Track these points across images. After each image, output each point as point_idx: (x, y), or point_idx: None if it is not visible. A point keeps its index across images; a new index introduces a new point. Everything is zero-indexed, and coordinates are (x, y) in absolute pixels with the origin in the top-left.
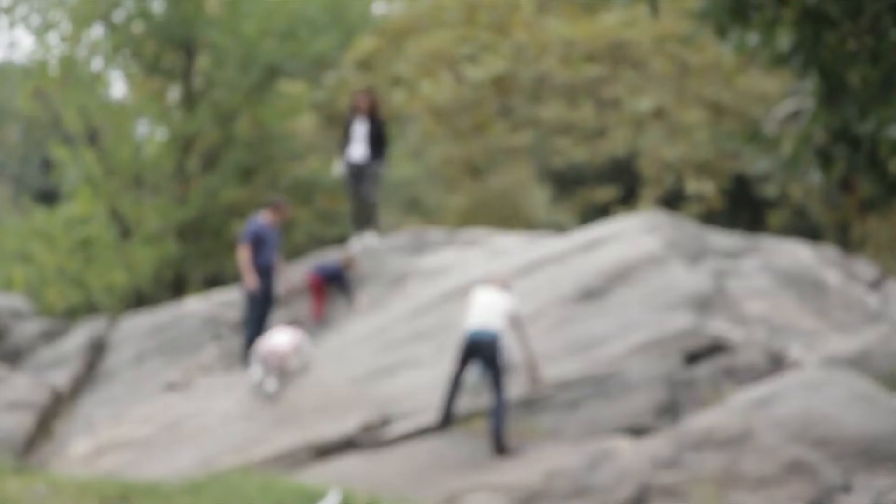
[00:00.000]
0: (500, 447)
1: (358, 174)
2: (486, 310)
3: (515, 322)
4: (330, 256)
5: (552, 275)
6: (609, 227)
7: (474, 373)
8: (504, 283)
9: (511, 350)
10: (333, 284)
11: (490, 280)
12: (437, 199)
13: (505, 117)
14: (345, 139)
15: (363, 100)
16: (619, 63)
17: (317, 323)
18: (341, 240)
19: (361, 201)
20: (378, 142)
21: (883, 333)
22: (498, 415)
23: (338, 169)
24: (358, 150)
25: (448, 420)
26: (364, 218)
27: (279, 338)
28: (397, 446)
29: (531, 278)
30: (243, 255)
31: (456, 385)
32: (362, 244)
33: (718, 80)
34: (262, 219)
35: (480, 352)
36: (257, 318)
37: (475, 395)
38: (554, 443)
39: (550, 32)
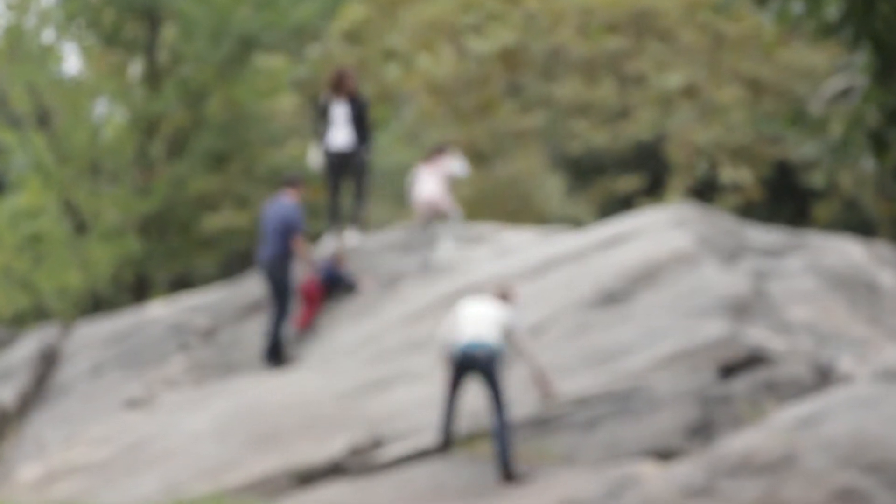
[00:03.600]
0: (507, 473)
1: (341, 163)
2: (478, 321)
3: (513, 336)
4: (318, 256)
5: (567, 276)
6: (632, 222)
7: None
8: (502, 294)
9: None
10: (331, 289)
11: (484, 290)
12: None
13: (514, 96)
14: (323, 124)
15: (349, 80)
16: (643, 34)
17: (302, 331)
18: None
19: (342, 194)
20: (362, 126)
21: None
22: (502, 437)
23: (315, 159)
24: (340, 135)
25: (448, 442)
26: (348, 213)
27: (425, 188)
28: (391, 472)
29: (544, 280)
30: (304, 247)
31: (452, 405)
32: (340, 242)
33: (757, 54)
34: (289, 200)
35: (475, 367)
36: (288, 311)
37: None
38: (569, 468)
39: None
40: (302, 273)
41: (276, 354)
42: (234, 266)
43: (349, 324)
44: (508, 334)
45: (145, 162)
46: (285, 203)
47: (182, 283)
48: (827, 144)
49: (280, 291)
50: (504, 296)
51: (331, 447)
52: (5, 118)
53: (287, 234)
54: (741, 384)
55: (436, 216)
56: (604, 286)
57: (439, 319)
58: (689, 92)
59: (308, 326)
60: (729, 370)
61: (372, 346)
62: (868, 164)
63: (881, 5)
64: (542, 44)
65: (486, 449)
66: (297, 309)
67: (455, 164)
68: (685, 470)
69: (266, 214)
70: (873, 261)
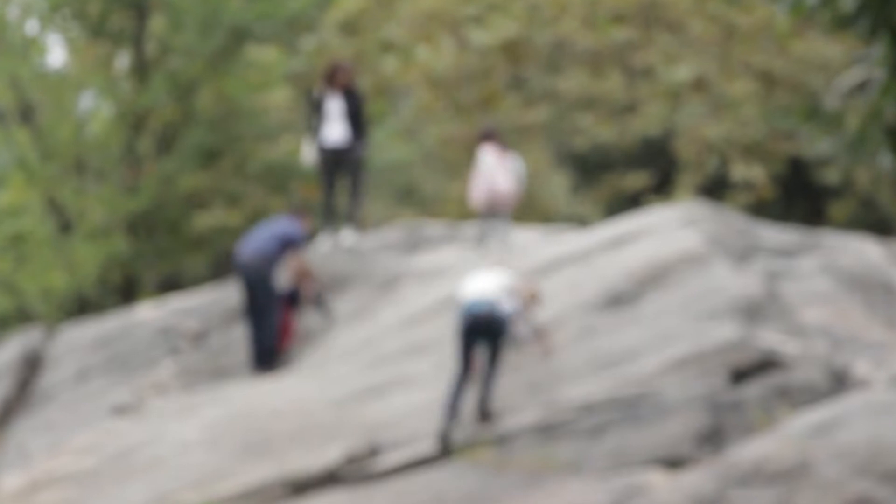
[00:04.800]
0: (484, 413)
1: (336, 160)
2: (482, 284)
3: (517, 293)
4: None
5: (573, 277)
6: (640, 221)
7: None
8: (529, 294)
9: (521, 324)
10: (296, 306)
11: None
12: (435, 187)
13: (517, 90)
14: (317, 119)
15: (343, 73)
16: (651, 25)
17: (284, 353)
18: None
19: (338, 192)
20: (358, 121)
21: None
22: (488, 379)
23: (308, 155)
24: (335, 131)
25: (448, 446)
26: (344, 211)
27: (503, 180)
28: (388, 480)
29: (548, 281)
30: (304, 265)
31: (462, 385)
32: (336, 243)
33: (770, 46)
34: (295, 223)
35: (482, 326)
36: (276, 312)
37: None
38: (575, 476)
39: None
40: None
41: (267, 359)
42: (225, 267)
43: (345, 327)
44: (512, 293)
45: (133, 158)
46: (290, 223)
47: (171, 285)
48: (843, 140)
49: (265, 293)
50: (532, 296)
51: (326, 455)
52: None
53: (284, 246)
54: (753, 390)
55: (497, 211)
56: (610, 287)
57: (439, 323)
58: (699, 85)
59: (287, 349)
60: (740, 375)
61: (369, 350)
62: (885, 160)
63: None
64: (547, 35)
65: (488, 456)
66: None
67: (518, 165)
68: (695, 479)
69: (262, 226)
70: (891, 261)
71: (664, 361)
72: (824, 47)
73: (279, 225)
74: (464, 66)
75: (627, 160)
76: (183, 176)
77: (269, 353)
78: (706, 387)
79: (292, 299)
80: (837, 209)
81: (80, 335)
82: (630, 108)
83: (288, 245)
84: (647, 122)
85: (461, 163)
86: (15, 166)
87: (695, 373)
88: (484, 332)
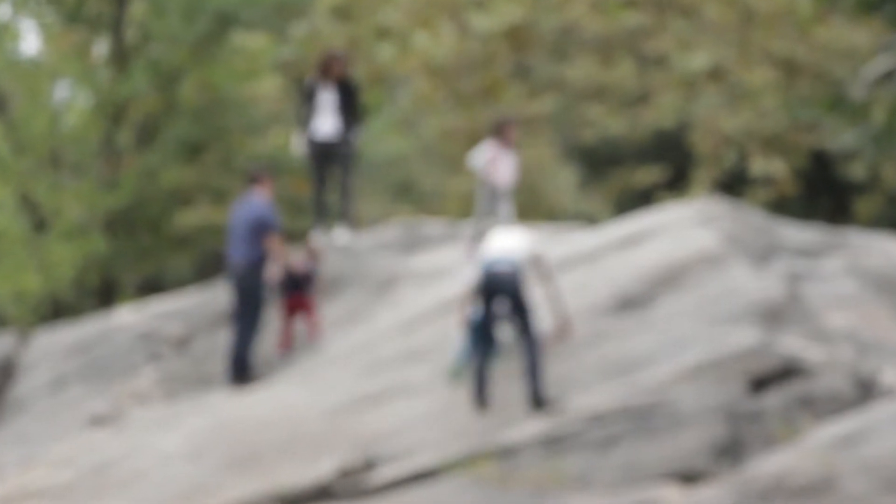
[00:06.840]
0: (539, 401)
1: (326, 154)
2: (504, 245)
3: (541, 263)
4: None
5: (581, 278)
6: (653, 219)
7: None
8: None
9: (540, 315)
10: (308, 292)
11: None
12: (434, 183)
13: (521, 79)
14: (308, 110)
15: (337, 64)
16: (665, 10)
17: (286, 352)
18: None
19: (329, 187)
20: (351, 114)
21: None
22: (534, 369)
23: (298, 147)
24: (327, 123)
25: (483, 402)
26: (336, 208)
27: (510, 169)
28: (384, 495)
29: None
30: (280, 247)
31: (485, 353)
32: (328, 241)
33: (791, 32)
34: (260, 198)
35: (501, 287)
36: (258, 323)
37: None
38: (584, 491)
39: None
40: (274, 276)
41: (242, 371)
42: (209, 268)
43: (338, 331)
44: (536, 261)
45: (112, 152)
46: (256, 202)
47: (152, 287)
48: (869, 132)
49: (251, 301)
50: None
51: (318, 468)
52: None
53: (260, 235)
54: (774, 399)
55: (502, 198)
56: (621, 290)
57: (439, 326)
58: (716, 74)
59: (291, 346)
60: (760, 383)
61: (364, 355)
62: None
63: None
64: (553, 20)
65: (491, 470)
66: (283, 324)
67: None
68: (712, 494)
69: (234, 216)
70: None
71: (679, 368)
72: (849, 34)
73: (249, 208)
74: (465, 54)
75: (639, 154)
76: (165, 170)
77: (239, 364)
78: (724, 396)
79: (294, 283)
80: (863, 206)
81: (56, 341)
82: (642, 99)
83: (260, 231)
84: (660, 113)
85: (461, 157)
86: None
87: (711, 381)
88: (502, 293)
